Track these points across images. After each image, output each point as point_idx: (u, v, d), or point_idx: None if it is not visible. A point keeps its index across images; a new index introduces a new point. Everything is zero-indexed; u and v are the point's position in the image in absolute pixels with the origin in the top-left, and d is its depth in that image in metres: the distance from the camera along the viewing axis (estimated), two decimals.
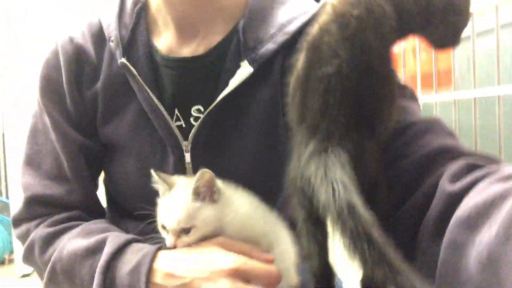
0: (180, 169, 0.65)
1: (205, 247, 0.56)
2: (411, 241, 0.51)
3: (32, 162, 0.68)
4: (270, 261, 0.56)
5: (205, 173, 0.56)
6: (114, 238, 0.60)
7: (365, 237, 0.39)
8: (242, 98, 0.64)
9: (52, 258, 0.61)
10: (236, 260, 0.53)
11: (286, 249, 0.62)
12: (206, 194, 0.57)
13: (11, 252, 2.37)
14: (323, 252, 0.51)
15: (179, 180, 0.60)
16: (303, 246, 0.52)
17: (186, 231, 0.56)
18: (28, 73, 2.32)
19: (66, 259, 0.60)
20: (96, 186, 0.74)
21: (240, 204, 0.61)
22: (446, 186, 0.47)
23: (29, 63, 2.34)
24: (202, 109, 0.64)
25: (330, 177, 0.42)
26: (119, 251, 0.58)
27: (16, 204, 2.22)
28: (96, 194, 0.73)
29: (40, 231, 0.64)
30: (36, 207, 0.67)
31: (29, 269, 2.23)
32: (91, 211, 0.70)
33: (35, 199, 0.66)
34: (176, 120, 0.65)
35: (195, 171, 0.66)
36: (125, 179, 0.68)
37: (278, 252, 0.61)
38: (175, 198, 0.57)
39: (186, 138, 0.64)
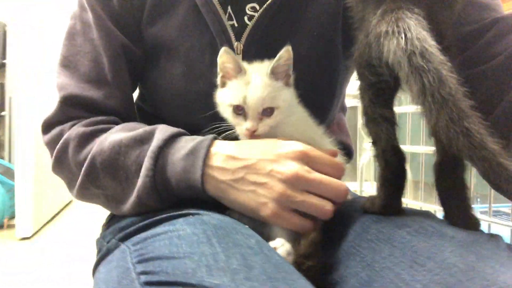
0: None
1: (267, 139, 0.54)
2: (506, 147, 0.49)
3: (68, 63, 0.63)
4: (335, 154, 0.55)
5: (289, 50, 0.54)
6: (165, 127, 0.56)
7: (436, 76, 0.37)
8: None
9: (91, 153, 0.56)
10: (304, 145, 0.51)
11: None
12: (282, 76, 0.56)
13: (12, 217, 2.33)
14: (390, 133, 0.49)
15: (248, 65, 0.58)
16: (370, 131, 0.50)
17: (267, 113, 0.54)
18: (34, 32, 2.28)
19: (109, 151, 0.55)
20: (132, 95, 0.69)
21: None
22: None
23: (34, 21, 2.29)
24: (257, 7, 0.62)
25: (403, 28, 0.40)
26: (172, 138, 0.54)
27: (19, 169, 2.15)
28: (133, 104, 0.69)
29: (76, 129, 0.59)
30: (72, 109, 0.61)
31: (28, 232, 2.19)
32: (129, 120, 0.65)
33: (71, 99, 0.61)
34: (228, 19, 0.62)
35: None
36: (170, 85, 0.65)
37: None
38: (253, 78, 0.55)
39: (238, 39, 0.62)
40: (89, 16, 0.64)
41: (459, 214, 0.48)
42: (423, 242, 0.43)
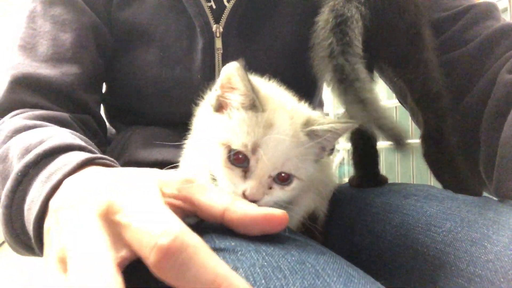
0: (208, 56, 0.60)
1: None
2: (477, 134, 0.49)
3: (25, 45, 0.57)
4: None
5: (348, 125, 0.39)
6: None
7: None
8: None
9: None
10: (119, 201, 0.28)
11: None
12: (319, 144, 0.40)
13: None
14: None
15: (278, 100, 0.40)
16: (350, 114, 0.50)
17: (281, 181, 0.38)
18: None
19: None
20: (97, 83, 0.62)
21: None
22: (505, 76, 0.46)
23: None
24: None
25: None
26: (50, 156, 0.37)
27: None
28: (97, 84, 0.62)
29: (14, 121, 0.48)
30: (22, 91, 0.53)
31: None
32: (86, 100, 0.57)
33: (23, 79, 0.53)
34: (206, 0, 0.59)
35: (224, 58, 0.60)
36: (143, 72, 0.61)
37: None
38: (278, 122, 0.38)
39: (217, 21, 0.59)
40: None
41: (456, 183, 0.47)
42: (435, 206, 0.42)
